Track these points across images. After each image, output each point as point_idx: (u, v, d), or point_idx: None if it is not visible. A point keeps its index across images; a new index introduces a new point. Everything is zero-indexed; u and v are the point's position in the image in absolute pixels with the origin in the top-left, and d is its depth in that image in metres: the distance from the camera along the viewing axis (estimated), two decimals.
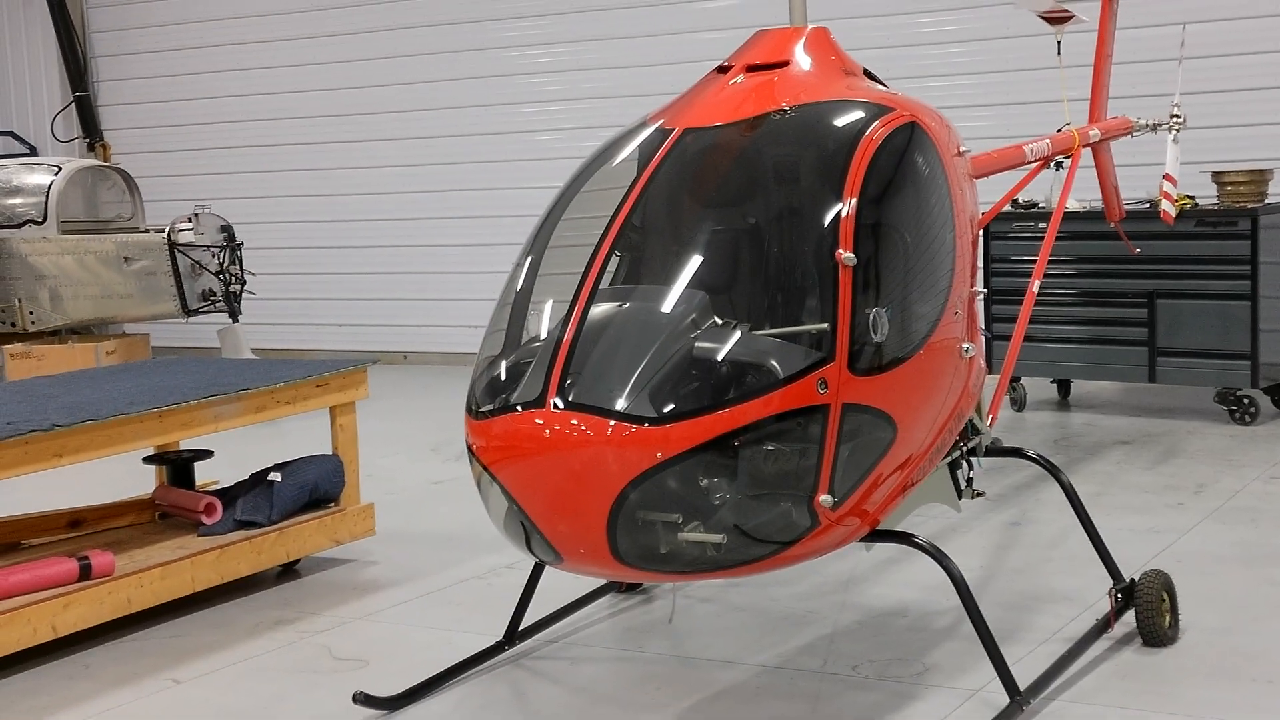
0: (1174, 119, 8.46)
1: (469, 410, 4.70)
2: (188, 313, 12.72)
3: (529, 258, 5.00)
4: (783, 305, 4.78)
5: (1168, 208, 8.71)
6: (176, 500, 7.43)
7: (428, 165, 15.47)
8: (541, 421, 4.40)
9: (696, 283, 4.67)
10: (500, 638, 6.03)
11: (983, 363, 5.53)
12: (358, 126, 15.85)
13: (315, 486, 7.37)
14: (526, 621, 6.07)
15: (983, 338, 5.54)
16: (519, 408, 4.48)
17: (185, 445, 7.70)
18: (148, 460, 7.70)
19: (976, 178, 5.72)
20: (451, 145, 15.34)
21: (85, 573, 6.35)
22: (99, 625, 6.38)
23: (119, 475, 8.26)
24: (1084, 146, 7.20)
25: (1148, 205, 10.15)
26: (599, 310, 4.59)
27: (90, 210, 13.65)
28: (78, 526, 7.40)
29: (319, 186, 16.12)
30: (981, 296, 5.53)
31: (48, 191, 13.03)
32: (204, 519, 7.13)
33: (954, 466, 5.72)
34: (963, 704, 5.32)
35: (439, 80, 15.33)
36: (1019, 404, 11.13)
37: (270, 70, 16.31)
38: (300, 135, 16.20)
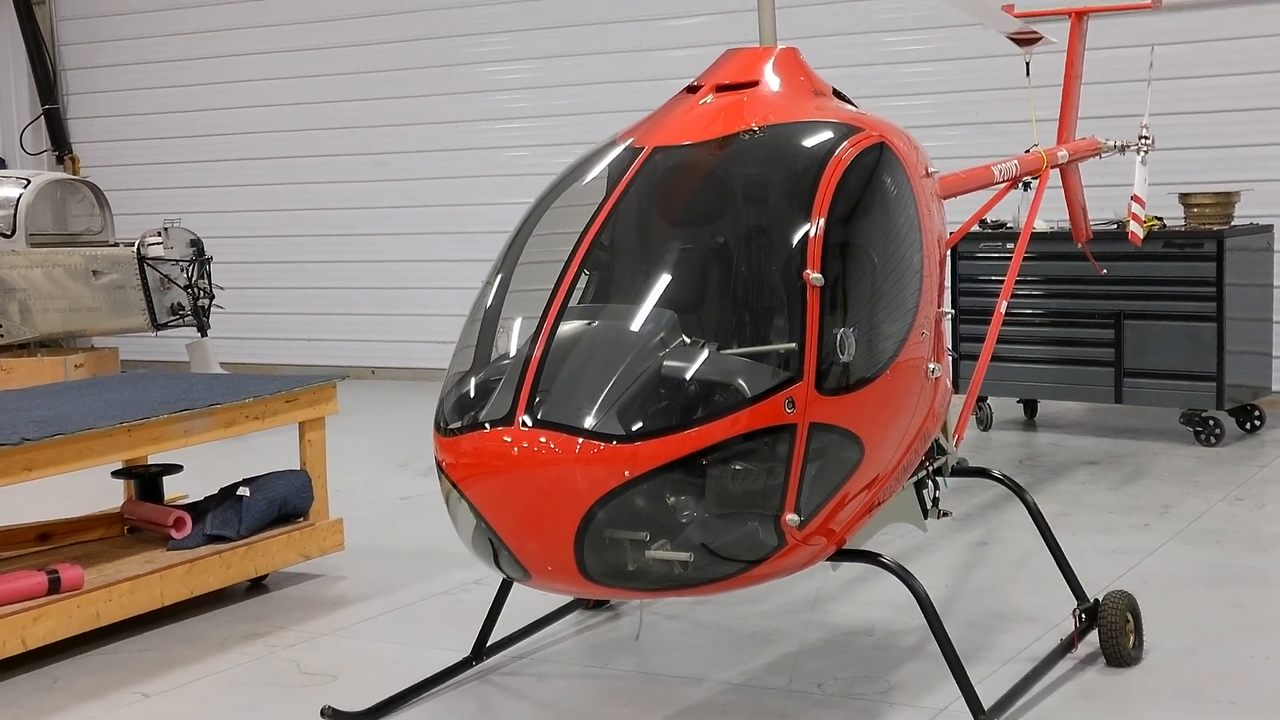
0: (1142, 140, 8.51)
1: (438, 427, 4.72)
2: (157, 326, 12.71)
3: (499, 274, 5.02)
4: (751, 324, 4.80)
5: (1135, 229, 8.75)
6: (145, 514, 7.42)
7: (397, 181, 15.47)
8: (510, 439, 4.42)
9: (665, 301, 4.70)
10: (468, 653, 6.03)
11: (949, 383, 5.57)
12: (327, 141, 15.84)
13: (284, 501, 7.37)
14: (494, 637, 6.08)
15: (949, 358, 5.57)
16: (487, 425, 4.50)
17: (154, 460, 7.69)
18: (116, 474, 7.69)
19: (945, 198, 5.76)
20: (421, 161, 15.34)
21: (54, 586, 6.34)
22: (68, 639, 6.37)
23: (88, 489, 8.24)
24: (1052, 167, 7.24)
25: (1115, 226, 10.20)
26: (568, 328, 4.61)
27: (59, 224, 13.62)
28: (47, 540, 7.38)
29: (289, 201, 16.10)
30: (948, 317, 5.55)
31: (16, 205, 13.01)
32: (173, 533, 7.12)
33: (920, 486, 5.75)
34: None
35: (409, 96, 15.34)
36: (985, 424, 11.17)
37: (240, 84, 16.29)
38: (270, 150, 16.18)
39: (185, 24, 16.59)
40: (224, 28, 16.35)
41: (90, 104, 17.39)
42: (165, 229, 12.61)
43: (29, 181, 13.34)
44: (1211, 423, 10.31)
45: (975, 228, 7.38)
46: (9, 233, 12.96)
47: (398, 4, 15.33)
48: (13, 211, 12.99)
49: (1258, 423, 10.70)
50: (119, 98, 17.13)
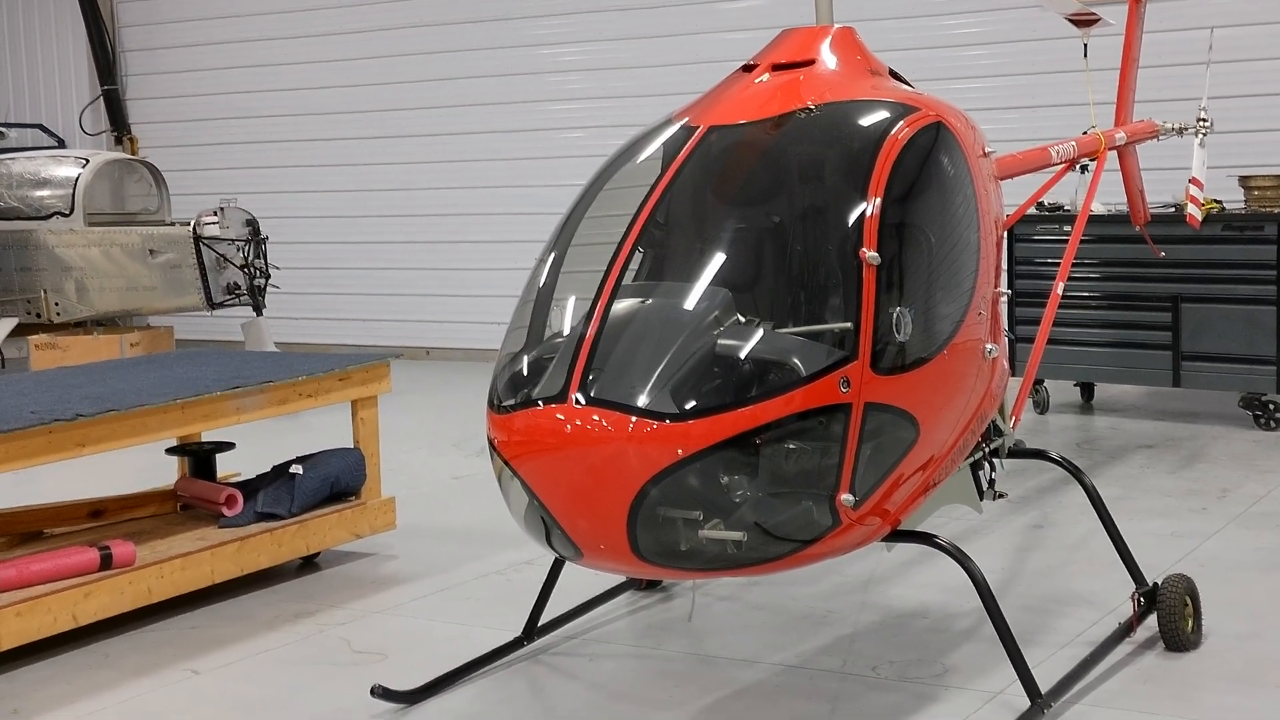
0: (1200, 123, 8.43)
1: (491, 405, 4.70)
2: (212, 306, 12.77)
3: (552, 254, 5.00)
4: (805, 303, 4.77)
5: (1194, 211, 8.68)
6: (198, 492, 7.44)
7: (452, 162, 15.50)
8: (563, 417, 4.40)
9: (719, 280, 4.67)
10: (519, 633, 6.03)
11: (1005, 364, 5.52)
12: (382, 123, 15.89)
13: (336, 480, 7.38)
14: (545, 617, 6.07)
15: (1005, 339, 5.53)
16: (540, 403, 4.48)
17: (207, 437, 7.71)
18: (170, 451, 7.71)
19: (1001, 179, 5.71)
20: (476, 142, 15.36)
21: (106, 562, 6.37)
22: (119, 615, 6.40)
23: (141, 466, 8.28)
24: (1109, 149, 7.17)
25: (1173, 209, 10.10)
26: (621, 307, 4.58)
27: (117, 203, 13.70)
28: (99, 516, 7.42)
29: (344, 182, 16.15)
30: (1005, 298, 5.51)
31: (75, 184, 13.08)
32: (225, 511, 7.14)
33: (976, 468, 5.72)
34: (983, 706, 5.31)
35: (464, 77, 15.35)
36: (1042, 406, 11.11)
37: (296, 66, 16.35)
38: (325, 131, 16.23)
39: (244, 6, 16.67)
40: (281, 10, 16.42)
41: (149, 85, 17.49)
42: (221, 209, 12.66)
43: (88, 161, 13.42)
44: (1271, 406, 10.22)
45: (1032, 210, 7.33)
46: (67, 212, 13.03)
47: None
48: (71, 191, 13.06)
49: None
50: (177, 79, 17.23)
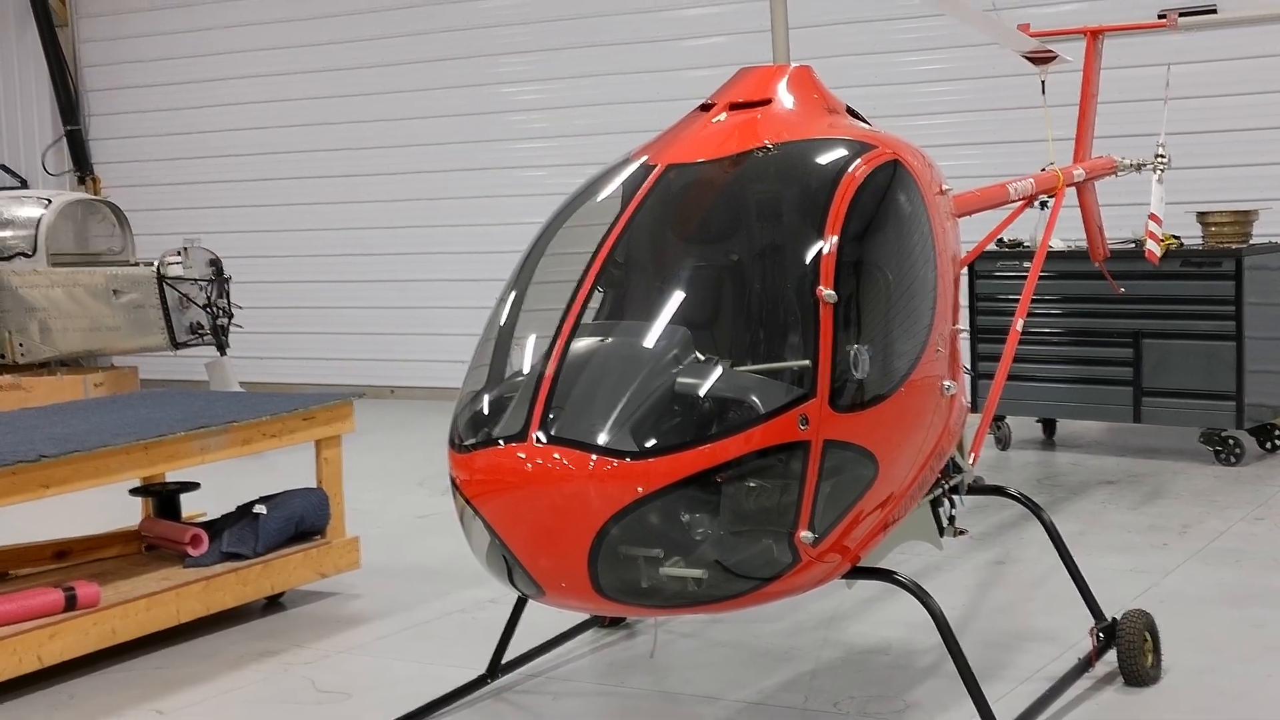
0: (1159, 159, 8.52)
1: (452, 444, 4.72)
2: (176, 345, 12.75)
3: (513, 293, 5.02)
4: (764, 341, 4.80)
5: (1153, 247, 8.75)
6: (163, 532, 7.43)
7: (416, 200, 15.54)
8: (524, 455, 4.41)
9: (678, 318, 4.69)
10: (483, 671, 6.03)
11: (964, 400, 5.55)
12: (344, 161, 15.91)
13: (301, 519, 7.38)
14: (509, 655, 6.08)
15: (964, 376, 5.56)
16: (501, 442, 4.49)
17: (172, 477, 7.71)
18: (134, 492, 7.71)
19: (960, 216, 5.75)
20: (439, 181, 15.40)
21: (71, 603, 6.36)
22: (84, 656, 6.38)
23: (106, 506, 8.26)
24: (1068, 186, 7.24)
25: (1133, 245, 10.19)
26: (581, 345, 4.61)
27: (80, 243, 13.66)
28: (64, 557, 7.41)
29: (308, 221, 16.16)
30: (964, 335, 5.54)
31: (38, 225, 13.05)
32: (190, 550, 7.14)
33: (936, 504, 5.73)
34: None
35: (427, 116, 15.40)
36: (1004, 443, 11.16)
37: (259, 105, 16.38)
38: (289, 171, 16.25)
39: (205, 46, 16.68)
40: (244, 49, 16.44)
41: (111, 125, 17.48)
42: (185, 249, 12.65)
43: (50, 201, 13.39)
44: (1231, 442, 10.28)
45: (992, 246, 7.39)
46: (30, 252, 12.99)
47: (416, 26, 15.40)
48: (34, 231, 13.03)
49: (1278, 442, 10.66)
50: (140, 119, 17.23)
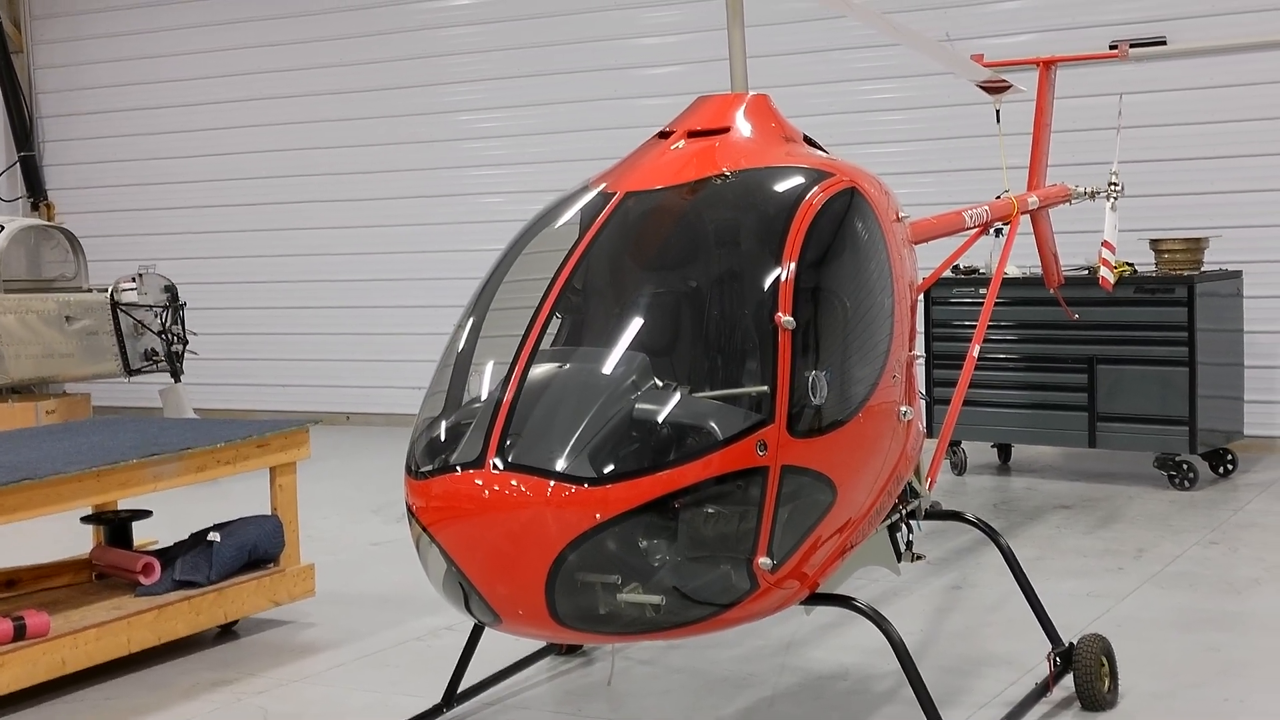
0: (1112, 187, 8.56)
1: (408, 470, 4.70)
2: (130, 372, 12.68)
3: (470, 319, 5.01)
4: (722, 368, 4.79)
5: (1106, 274, 8.80)
6: (114, 560, 7.38)
7: (372, 227, 15.51)
8: (481, 482, 4.40)
9: (637, 345, 4.68)
10: (439, 700, 6.00)
11: (921, 426, 5.56)
12: (301, 188, 15.88)
13: (255, 547, 7.34)
14: (465, 683, 6.05)
15: (921, 401, 5.58)
16: (458, 468, 4.48)
17: (124, 505, 7.65)
18: (85, 520, 7.65)
19: (916, 243, 5.76)
20: (396, 207, 15.38)
21: (20, 633, 6.30)
22: (33, 686, 6.32)
23: (56, 535, 8.20)
24: (1023, 213, 7.27)
25: (1087, 272, 10.25)
26: (539, 371, 4.60)
27: (33, 269, 13.58)
28: (13, 586, 7.34)
29: (263, 247, 16.12)
30: (920, 361, 5.56)
31: None
32: (142, 579, 7.08)
33: (893, 529, 5.74)
34: None
35: (383, 144, 15.39)
36: (960, 468, 11.19)
37: (215, 132, 16.33)
38: (245, 196, 16.21)
39: (162, 72, 16.63)
40: (200, 76, 16.40)
41: (66, 151, 17.41)
42: (139, 275, 12.60)
43: (3, 227, 13.30)
44: (1185, 466, 10.33)
45: (948, 273, 7.41)
46: None
47: (373, 53, 15.39)
48: None
49: (1230, 466, 10.73)
50: (94, 145, 17.16)
